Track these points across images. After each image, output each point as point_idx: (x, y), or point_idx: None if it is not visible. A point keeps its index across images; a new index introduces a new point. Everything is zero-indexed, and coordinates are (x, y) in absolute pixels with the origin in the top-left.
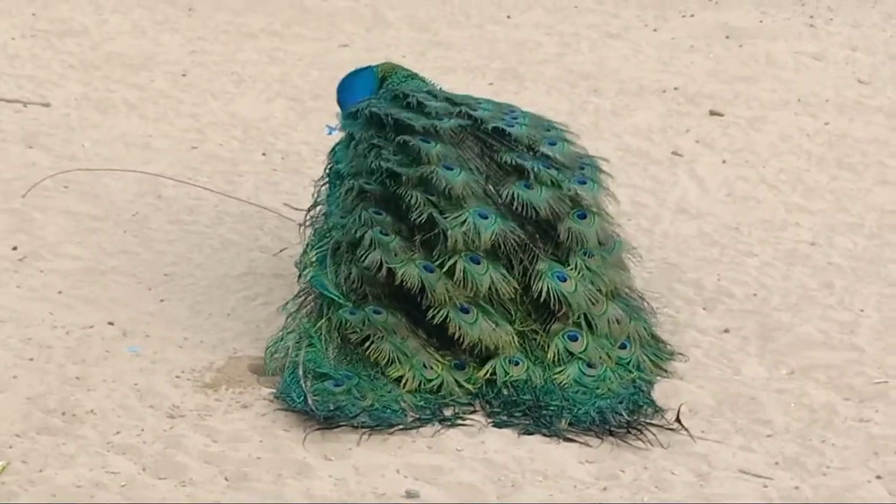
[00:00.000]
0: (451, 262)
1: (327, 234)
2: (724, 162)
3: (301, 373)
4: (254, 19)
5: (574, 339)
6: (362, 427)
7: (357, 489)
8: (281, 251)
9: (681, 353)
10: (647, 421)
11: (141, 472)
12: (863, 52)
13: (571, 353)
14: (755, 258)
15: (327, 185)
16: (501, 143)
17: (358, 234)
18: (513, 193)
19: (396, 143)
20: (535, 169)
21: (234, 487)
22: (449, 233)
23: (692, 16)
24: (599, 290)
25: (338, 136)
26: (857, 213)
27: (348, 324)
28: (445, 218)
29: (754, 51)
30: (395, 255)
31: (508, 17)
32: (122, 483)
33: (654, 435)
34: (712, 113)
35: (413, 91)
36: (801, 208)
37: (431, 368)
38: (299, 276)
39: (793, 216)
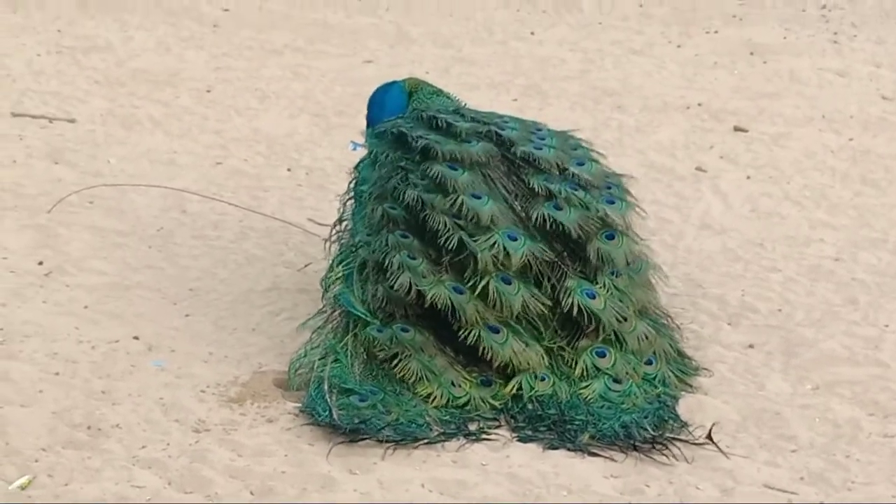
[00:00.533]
0: (483, 283)
1: (353, 252)
2: (748, 178)
3: (326, 387)
4: (278, 36)
5: (602, 355)
6: (387, 441)
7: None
8: (306, 266)
9: (705, 369)
10: (676, 437)
11: (166, 486)
12: (887, 68)
13: (598, 369)
14: (779, 274)
15: (352, 201)
16: (530, 165)
17: (385, 259)
18: (543, 215)
19: (422, 170)
20: (564, 192)
21: (260, 501)
22: (479, 255)
23: (716, 32)
24: (627, 309)
25: (362, 152)
26: (881, 229)
27: (375, 341)
28: (475, 241)
29: (778, 67)
30: (424, 277)
31: (532, 33)
32: (148, 497)
33: (679, 450)
34: (736, 129)
35: (440, 112)
36: (824, 224)
37: (459, 386)
38: (324, 293)
39: (817, 232)
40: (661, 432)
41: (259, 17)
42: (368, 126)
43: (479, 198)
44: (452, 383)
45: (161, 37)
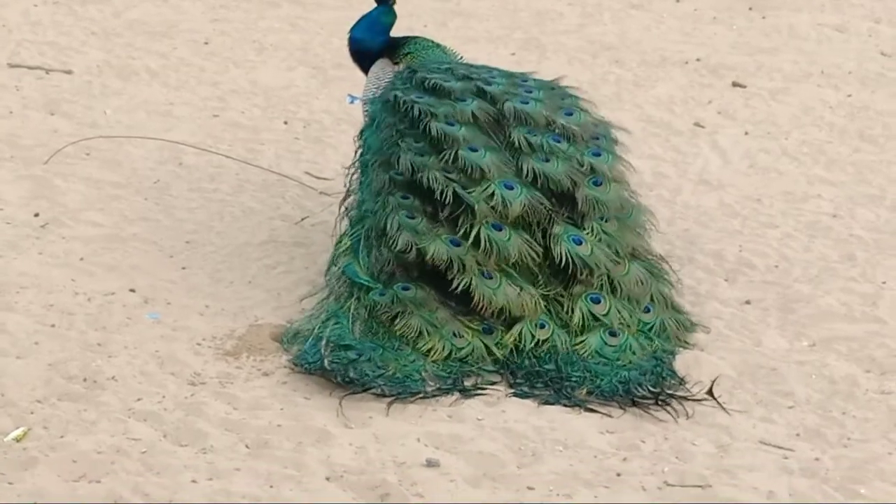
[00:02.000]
0: (475, 231)
1: (360, 221)
2: (746, 133)
3: (323, 343)
4: None
5: (597, 301)
6: (381, 394)
7: (377, 457)
8: (302, 220)
9: (703, 326)
10: (676, 393)
11: (162, 438)
12: (886, 24)
13: (595, 316)
14: (776, 230)
15: (358, 173)
16: (515, 119)
17: (386, 222)
18: (532, 168)
19: (421, 131)
20: (546, 144)
21: (255, 455)
22: (476, 207)
23: None
24: (617, 253)
25: (359, 105)
26: (879, 186)
27: (378, 305)
28: (470, 192)
29: (777, 22)
30: (422, 234)
31: None
32: (143, 450)
33: (681, 406)
34: (734, 84)
35: (431, 72)
36: (822, 180)
37: (462, 336)
38: (329, 268)
39: (814, 188)
40: (660, 390)
41: None
42: (359, 52)
43: (475, 150)
44: (454, 334)
45: None
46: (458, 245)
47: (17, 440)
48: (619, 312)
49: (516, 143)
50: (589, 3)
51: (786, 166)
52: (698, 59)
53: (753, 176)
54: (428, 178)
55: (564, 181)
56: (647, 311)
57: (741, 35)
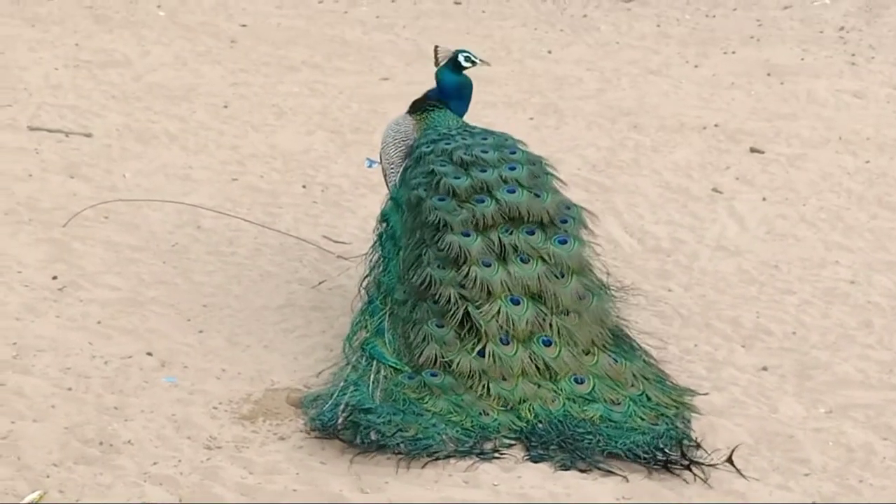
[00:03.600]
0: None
1: (384, 300)
2: (763, 199)
3: (341, 407)
4: (295, 52)
5: (580, 382)
6: (399, 453)
7: None
8: (320, 284)
9: (690, 391)
10: (696, 460)
11: (177, 503)
12: None
13: (582, 396)
14: (794, 296)
15: (380, 252)
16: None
17: (412, 332)
18: (514, 271)
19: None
20: (525, 244)
21: None
22: (485, 328)
23: (734, 53)
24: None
25: (378, 168)
26: None
27: (406, 386)
28: (479, 311)
29: (795, 88)
30: (450, 346)
31: (549, 52)
32: None
33: (701, 471)
34: (752, 150)
35: (438, 167)
36: (840, 246)
37: (488, 414)
38: (348, 341)
39: (832, 254)
40: (679, 453)
41: (276, 33)
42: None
43: (488, 265)
44: (481, 413)
45: (178, 51)
46: (482, 356)
47: None
48: (606, 391)
49: (501, 245)
50: (607, 69)
51: (803, 232)
52: (716, 125)
53: (771, 242)
54: (443, 296)
55: (537, 283)
56: (633, 385)
57: (759, 101)
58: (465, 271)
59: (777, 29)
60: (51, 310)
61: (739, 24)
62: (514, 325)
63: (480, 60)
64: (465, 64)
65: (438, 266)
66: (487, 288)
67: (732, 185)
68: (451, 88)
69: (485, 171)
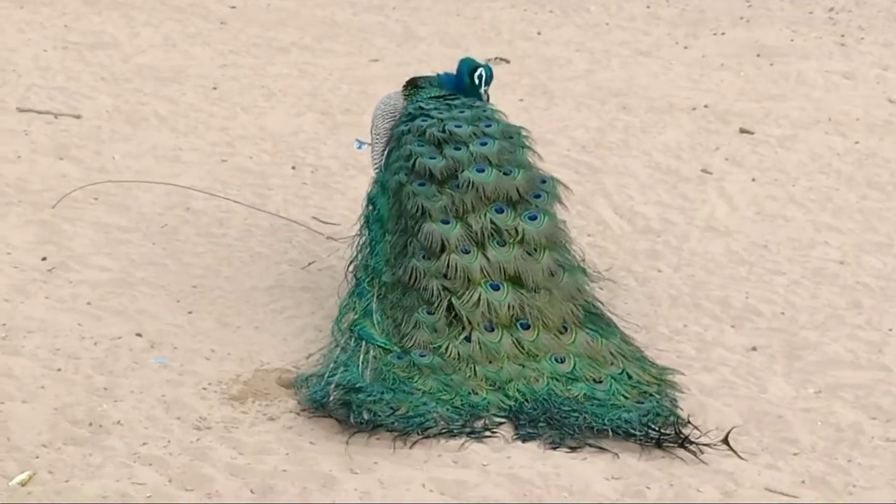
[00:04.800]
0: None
1: (371, 282)
2: (753, 180)
3: (332, 387)
4: (285, 34)
5: (561, 361)
6: (392, 430)
7: (382, 503)
8: (309, 264)
9: (670, 369)
10: (691, 438)
11: (167, 483)
12: (894, 71)
13: (564, 374)
14: (783, 276)
15: (367, 236)
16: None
17: (403, 319)
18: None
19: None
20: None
21: (260, 500)
22: (468, 317)
23: (723, 34)
24: (557, 326)
25: (367, 150)
26: (886, 233)
27: (394, 366)
28: (460, 300)
29: (785, 69)
30: (437, 333)
31: (539, 33)
32: (148, 494)
33: (697, 449)
34: (742, 131)
35: (415, 148)
36: (829, 227)
37: (477, 394)
38: (337, 322)
39: (821, 235)
40: (668, 430)
41: (266, 14)
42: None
43: (467, 252)
44: (471, 393)
45: (167, 33)
46: (469, 341)
47: (22, 484)
48: (588, 370)
49: (481, 230)
50: (597, 50)
51: (793, 213)
52: (706, 106)
53: (760, 223)
54: (427, 288)
55: (514, 266)
56: (612, 364)
57: (749, 82)
58: (445, 260)
59: (767, 10)
60: (40, 291)
61: (729, 5)
62: (496, 311)
63: (485, 91)
64: (475, 81)
65: (423, 257)
66: (467, 276)
67: (722, 166)
68: (462, 84)
69: (459, 148)
